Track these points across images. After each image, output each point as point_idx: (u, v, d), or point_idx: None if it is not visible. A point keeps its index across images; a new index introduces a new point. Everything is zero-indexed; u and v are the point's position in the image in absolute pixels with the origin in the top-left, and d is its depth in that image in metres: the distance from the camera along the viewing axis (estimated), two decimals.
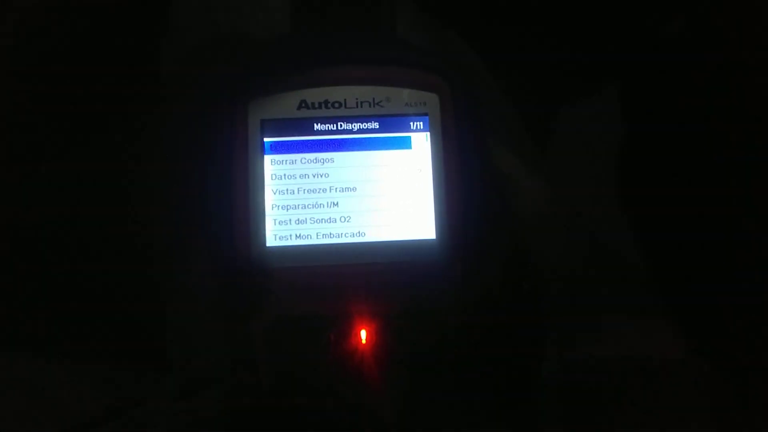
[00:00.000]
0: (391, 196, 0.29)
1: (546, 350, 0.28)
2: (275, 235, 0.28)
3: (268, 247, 0.28)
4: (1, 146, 0.34)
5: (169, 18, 0.34)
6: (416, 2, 0.38)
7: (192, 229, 0.33)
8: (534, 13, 0.42)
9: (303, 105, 0.29)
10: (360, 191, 0.29)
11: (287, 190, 0.29)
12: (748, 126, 0.35)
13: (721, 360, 0.27)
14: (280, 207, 0.28)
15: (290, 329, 0.28)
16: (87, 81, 0.32)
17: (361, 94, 0.29)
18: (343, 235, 0.28)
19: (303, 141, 0.29)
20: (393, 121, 0.29)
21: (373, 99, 0.29)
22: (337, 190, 0.29)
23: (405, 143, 0.29)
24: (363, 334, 0.28)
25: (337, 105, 0.29)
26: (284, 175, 0.29)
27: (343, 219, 0.28)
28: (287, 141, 0.29)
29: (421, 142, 0.29)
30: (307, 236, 0.28)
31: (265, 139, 0.28)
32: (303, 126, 0.29)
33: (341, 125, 0.29)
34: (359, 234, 0.28)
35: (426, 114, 0.29)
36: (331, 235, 0.28)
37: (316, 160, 0.29)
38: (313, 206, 0.28)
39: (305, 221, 0.28)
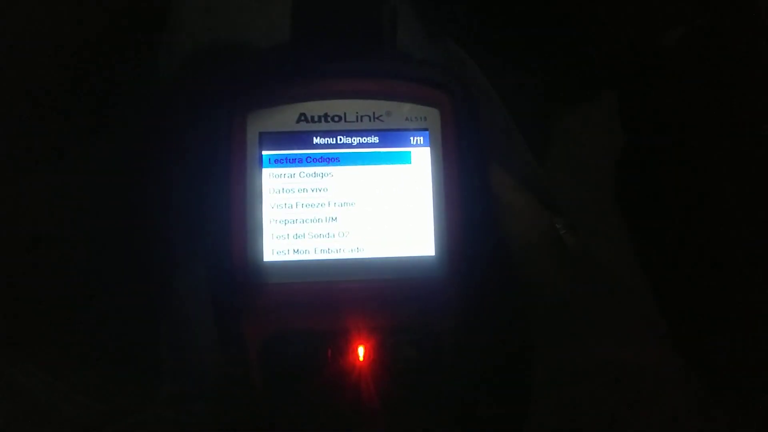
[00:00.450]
0: (390, 211, 0.28)
1: (537, 360, 0.28)
2: (272, 250, 0.28)
3: (265, 261, 0.28)
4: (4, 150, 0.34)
5: (168, 28, 0.33)
6: (417, 15, 0.37)
7: (189, 241, 0.33)
8: (533, 24, 0.41)
9: (302, 118, 0.28)
10: (359, 206, 0.28)
11: (285, 204, 0.28)
12: (746, 135, 0.35)
13: (709, 368, 0.28)
14: (277, 221, 0.28)
15: (287, 345, 0.28)
16: (85, 90, 0.32)
17: (362, 107, 0.28)
18: (342, 250, 0.28)
19: (302, 155, 0.28)
20: (393, 135, 0.28)
21: (374, 113, 0.28)
22: (336, 204, 0.28)
23: (405, 158, 0.29)
24: (360, 350, 0.28)
25: (336, 118, 0.28)
26: (282, 189, 0.28)
27: (341, 234, 0.28)
28: (286, 154, 0.28)
29: (422, 157, 0.28)
30: (305, 251, 0.28)
31: (264, 153, 0.28)
32: (302, 139, 0.28)
33: (341, 139, 0.28)
34: (358, 250, 0.28)
35: (426, 129, 0.28)
36: (329, 251, 0.28)
37: (315, 174, 0.28)
38: (312, 221, 0.28)
39: (303, 236, 0.28)
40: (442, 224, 0.28)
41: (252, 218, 0.28)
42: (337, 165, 0.28)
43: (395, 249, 0.28)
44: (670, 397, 0.25)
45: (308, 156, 0.28)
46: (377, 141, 0.29)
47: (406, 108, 0.29)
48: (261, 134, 0.28)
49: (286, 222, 0.28)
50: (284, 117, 0.28)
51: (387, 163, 0.29)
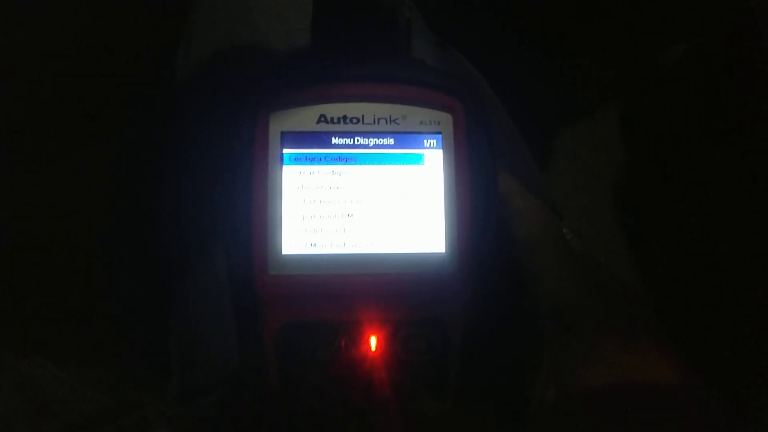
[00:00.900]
0: (402, 209, 0.30)
1: (541, 374, 0.29)
2: (291, 243, 0.29)
3: (284, 254, 0.29)
4: (22, 148, 0.35)
5: (191, 29, 0.34)
6: (427, 27, 0.39)
7: (204, 236, 0.34)
8: (539, 38, 0.43)
9: (322, 119, 0.30)
10: (373, 204, 0.30)
11: (304, 200, 0.29)
12: (745, 149, 0.37)
13: (717, 384, 0.28)
14: (296, 216, 0.29)
15: (301, 334, 0.29)
16: (107, 90, 0.33)
17: (379, 110, 0.30)
18: (356, 245, 0.29)
19: (321, 154, 0.30)
20: (408, 137, 0.30)
21: (390, 116, 0.30)
22: (352, 202, 0.30)
23: (418, 159, 0.30)
24: (373, 340, 0.29)
25: (355, 120, 0.30)
26: (301, 185, 0.29)
27: (356, 230, 0.29)
28: (305, 153, 0.30)
29: (434, 159, 0.30)
30: (322, 245, 0.29)
31: (285, 151, 0.29)
32: (321, 139, 0.30)
33: (358, 140, 0.30)
34: (371, 245, 0.29)
35: (440, 132, 0.30)
36: (344, 245, 0.29)
37: (333, 173, 0.30)
38: (328, 216, 0.29)
39: (320, 231, 0.29)
40: (452, 223, 0.29)
41: (272, 213, 0.29)
42: (353, 164, 0.30)
43: (407, 245, 0.30)
44: (674, 402, 0.25)
45: (327, 155, 0.30)
46: (392, 143, 0.30)
47: (421, 112, 0.30)
48: (283, 133, 0.29)
49: (304, 217, 0.29)
50: (305, 117, 0.30)
51: (401, 164, 0.30)
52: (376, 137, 0.30)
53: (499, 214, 0.29)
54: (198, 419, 0.38)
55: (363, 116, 0.30)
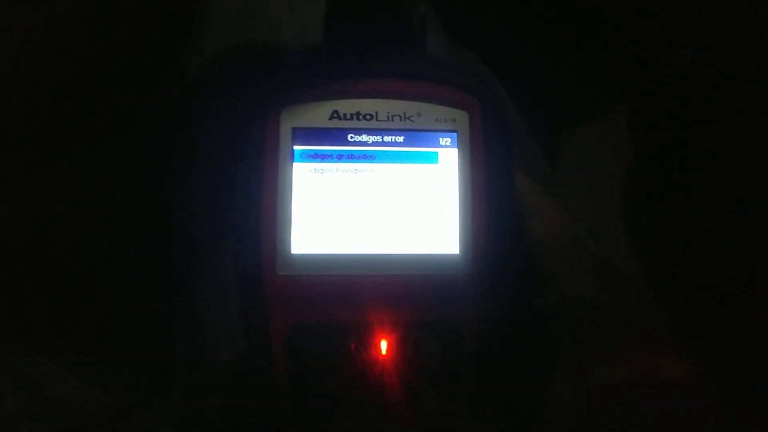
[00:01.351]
0: (416, 209, 0.29)
1: (557, 372, 0.28)
2: (300, 243, 0.28)
3: (293, 253, 0.28)
4: (24, 146, 0.34)
5: (204, 26, 0.34)
6: (441, 26, 0.38)
7: (216, 233, 0.33)
8: (551, 37, 0.43)
9: (335, 115, 0.29)
10: (386, 203, 0.29)
11: (314, 198, 0.29)
12: (755, 151, 0.36)
13: (731, 382, 0.28)
14: (306, 215, 0.29)
15: (311, 336, 0.28)
16: (120, 85, 0.33)
17: (393, 107, 0.29)
18: (368, 245, 0.29)
19: (332, 151, 0.29)
20: (422, 135, 0.29)
21: (404, 113, 0.29)
22: (364, 200, 0.29)
23: (432, 158, 0.29)
24: (383, 344, 0.28)
25: (368, 117, 0.29)
26: (312, 183, 0.29)
27: (368, 229, 0.29)
28: (317, 150, 0.29)
29: (449, 157, 0.29)
30: (332, 245, 0.29)
31: (295, 147, 0.29)
32: (333, 136, 0.29)
33: (371, 137, 0.29)
34: (383, 245, 0.29)
35: (455, 130, 0.29)
36: (355, 245, 0.29)
37: (345, 170, 0.29)
38: (339, 215, 0.29)
39: (330, 230, 0.29)
40: (467, 224, 0.29)
41: (282, 211, 0.28)
42: (366, 162, 0.29)
43: (420, 246, 0.29)
44: (689, 414, 0.25)
45: (339, 152, 0.29)
46: (406, 140, 0.29)
47: (436, 109, 0.29)
48: (294, 129, 0.29)
49: (314, 216, 0.29)
50: (317, 114, 0.29)
51: (415, 162, 0.29)
52: (389, 134, 0.29)
53: (514, 214, 0.29)
54: (202, 420, 0.37)
55: (377, 113, 0.29)
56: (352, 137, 0.29)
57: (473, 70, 0.35)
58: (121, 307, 0.41)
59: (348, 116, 0.29)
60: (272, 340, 0.28)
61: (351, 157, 0.29)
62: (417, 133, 0.29)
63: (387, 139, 0.29)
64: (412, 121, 0.29)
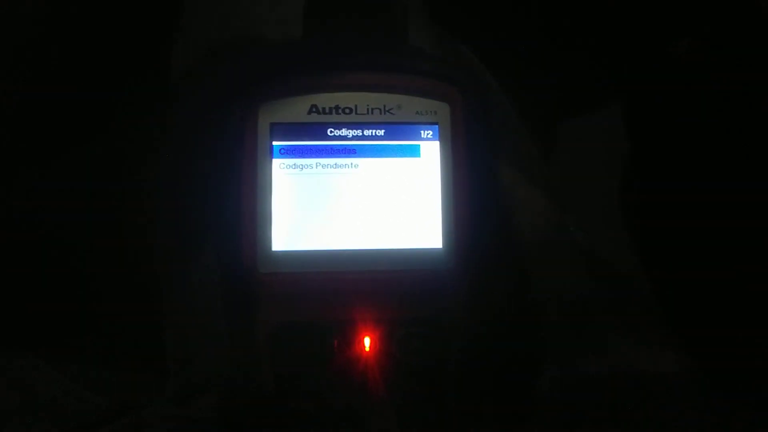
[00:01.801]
0: (398, 204, 0.29)
1: (544, 366, 0.28)
2: (281, 240, 0.28)
3: (274, 251, 0.28)
4: (8, 146, 0.34)
5: (181, 19, 0.34)
6: (428, 13, 0.38)
7: (197, 231, 0.33)
8: (544, 27, 0.42)
9: (314, 110, 0.29)
10: (367, 198, 0.29)
11: (295, 194, 0.28)
12: (752, 142, 0.35)
13: (718, 373, 0.27)
14: (286, 211, 0.28)
15: (294, 335, 0.28)
16: (96, 81, 0.32)
17: (373, 100, 0.29)
18: (350, 241, 0.28)
19: (312, 146, 0.29)
20: (403, 128, 0.29)
21: (384, 106, 0.29)
22: (345, 196, 0.28)
23: (414, 151, 0.29)
24: (367, 341, 0.28)
25: (348, 111, 0.29)
26: (292, 179, 0.28)
27: (349, 225, 0.28)
28: (296, 145, 0.29)
29: (431, 150, 0.29)
30: (314, 242, 0.28)
31: (274, 143, 0.28)
32: (313, 131, 0.29)
33: (351, 131, 0.29)
34: (365, 241, 0.28)
35: (436, 123, 0.29)
36: (337, 241, 0.28)
37: (325, 165, 0.29)
38: (320, 212, 0.28)
39: (312, 226, 0.28)
40: (450, 217, 0.28)
41: (262, 208, 0.28)
42: (346, 157, 0.29)
43: (403, 241, 0.28)
44: (677, 405, 0.25)
45: (318, 147, 0.29)
46: (387, 134, 0.29)
47: (417, 102, 0.29)
48: (272, 125, 0.28)
49: (295, 212, 0.28)
50: (296, 108, 0.28)
51: (396, 156, 0.29)
52: (369, 128, 0.29)
53: (499, 208, 0.28)
54: (194, 420, 0.37)
55: (356, 106, 0.29)
56: (331, 132, 0.29)
57: (454, 62, 0.34)
58: (112, 308, 0.41)
59: (327, 110, 0.29)
60: (255, 339, 0.28)
61: (331, 152, 0.29)
62: (398, 126, 0.29)
63: (367, 132, 0.29)
64: (393, 114, 0.29)
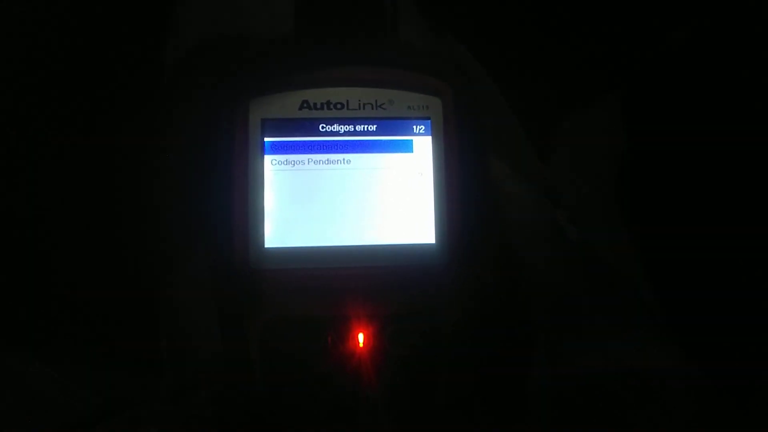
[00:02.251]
0: (391, 199, 0.28)
1: (537, 361, 0.28)
2: (274, 236, 0.28)
3: (267, 248, 0.28)
4: (5, 147, 0.34)
5: (173, 16, 0.34)
6: (419, 9, 0.38)
7: (190, 229, 0.33)
8: (537, 20, 0.42)
9: (305, 105, 0.28)
10: (360, 194, 0.28)
11: (287, 190, 0.28)
12: (751, 136, 0.35)
13: (712, 368, 0.27)
14: (279, 208, 0.28)
15: (287, 331, 0.28)
16: (89, 80, 0.32)
17: (364, 95, 0.29)
18: (342, 237, 0.28)
19: (304, 141, 0.28)
20: (395, 123, 0.29)
21: (376, 101, 0.29)
22: (337, 192, 0.28)
23: (407, 146, 0.29)
24: (360, 337, 0.28)
25: (339, 106, 0.28)
26: (284, 175, 0.28)
27: (342, 221, 0.28)
28: (288, 141, 0.28)
29: (423, 145, 0.29)
30: (306, 238, 0.28)
31: (266, 139, 0.28)
32: (304, 126, 0.28)
33: (343, 126, 0.29)
34: (358, 237, 0.28)
35: (428, 118, 0.29)
36: (329, 238, 0.28)
37: (317, 161, 0.28)
38: (312, 208, 0.28)
39: (304, 223, 0.28)
40: (443, 213, 0.28)
41: (254, 204, 0.28)
42: (338, 152, 0.29)
43: (396, 237, 0.28)
44: (670, 400, 0.25)
45: (310, 143, 0.28)
46: (379, 129, 0.29)
47: (408, 96, 0.29)
48: (263, 121, 0.28)
49: (287, 208, 0.28)
50: (287, 104, 0.28)
51: (388, 152, 0.29)
52: (361, 123, 0.29)
53: (490, 202, 0.28)
54: (189, 417, 0.37)
55: (348, 101, 0.29)
56: (323, 127, 0.29)
57: (447, 56, 0.34)
58: (107, 306, 0.41)
59: (318, 106, 0.28)
60: (248, 336, 0.28)
61: (322, 147, 0.28)
62: (390, 121, 0.29)
63: (359, 128, 0.29)
64: (385, 109, 0.29)
